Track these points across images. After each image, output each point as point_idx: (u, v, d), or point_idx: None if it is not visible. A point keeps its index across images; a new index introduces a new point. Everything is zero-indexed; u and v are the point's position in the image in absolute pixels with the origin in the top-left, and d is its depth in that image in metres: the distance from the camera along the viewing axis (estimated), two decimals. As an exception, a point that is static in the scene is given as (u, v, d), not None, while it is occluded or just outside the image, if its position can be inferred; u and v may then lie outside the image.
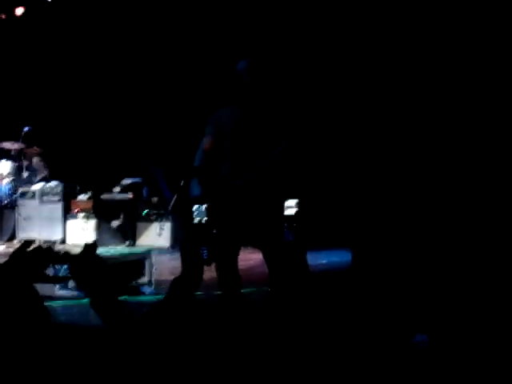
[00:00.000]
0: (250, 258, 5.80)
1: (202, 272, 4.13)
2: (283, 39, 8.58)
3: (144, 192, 9.58)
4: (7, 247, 8.98)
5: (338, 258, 7.75)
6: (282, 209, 4.91)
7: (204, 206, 4.61)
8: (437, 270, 5.21)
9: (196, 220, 4.59)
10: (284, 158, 4.66)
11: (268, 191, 4.68)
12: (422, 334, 4.01)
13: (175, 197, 8.03)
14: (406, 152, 5.82)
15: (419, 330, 4.07)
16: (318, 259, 7.75)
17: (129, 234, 9.19)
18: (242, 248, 4.78)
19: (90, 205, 9.34)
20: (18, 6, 9.76)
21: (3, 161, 10.20)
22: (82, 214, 9.24)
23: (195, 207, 4.61)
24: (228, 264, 4.58)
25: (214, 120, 4.90)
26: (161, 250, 8.33)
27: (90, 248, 2.25)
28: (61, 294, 6.19)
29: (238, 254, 4.64)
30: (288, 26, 8.61)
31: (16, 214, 9.77)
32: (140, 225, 9.25)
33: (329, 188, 8.29)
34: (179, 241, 8.60)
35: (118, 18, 10.22)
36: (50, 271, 2.25)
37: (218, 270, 4.57)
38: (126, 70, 10.51)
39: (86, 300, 2.33)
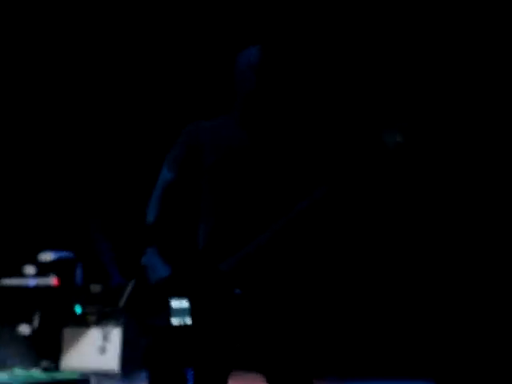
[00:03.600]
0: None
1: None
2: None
3: (77, 275, 6.64)
4: None
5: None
6: (304, 311, 3.26)
7: (186, 300, 3.10)
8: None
9: (174, 322, 3.11)
10: (313, 222, 3.18)
11: (280, 280, 3.16)
12: None
13: (131, 283, 6.04)
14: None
15: None
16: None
17: (48, 347, 6.31)
18: (241, 373, 3.49)
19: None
20: None
21: None
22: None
23: (173, 301, 3.10)
24: None
25: (187, 136, 3.33)
26: (104, 378, 5.97)
27: None
28: None
29: (226, 380, 3.23)
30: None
31: None
32: (69, 332, 6.31)
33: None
34: (138, 360, 6.03)
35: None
36: None
37: None
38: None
39: None
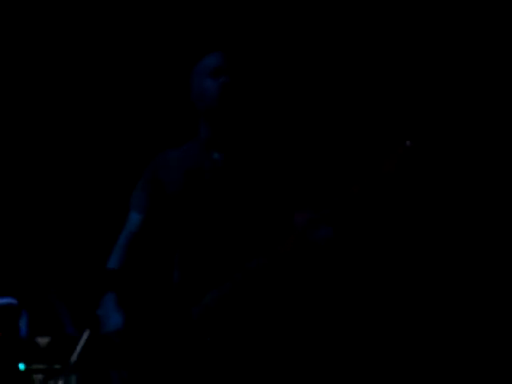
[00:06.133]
0: None
1: None
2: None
3: (22, 325, 5.90)
4: None
5: None
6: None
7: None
8: None
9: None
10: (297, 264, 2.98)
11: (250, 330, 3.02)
12: None
13: (86, 334, 5.63)
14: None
15: None
16: None
17: (-15, 415, 5.52)
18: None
19: None
20: None
21: None
22: None
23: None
24: None
25: (149, 172, 3.25)
26: None
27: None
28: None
29: None
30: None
31: None
32: (11, 394, 5.53)
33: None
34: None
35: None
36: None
37: None
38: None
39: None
